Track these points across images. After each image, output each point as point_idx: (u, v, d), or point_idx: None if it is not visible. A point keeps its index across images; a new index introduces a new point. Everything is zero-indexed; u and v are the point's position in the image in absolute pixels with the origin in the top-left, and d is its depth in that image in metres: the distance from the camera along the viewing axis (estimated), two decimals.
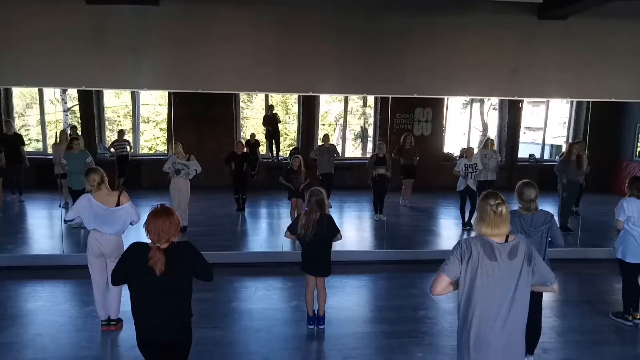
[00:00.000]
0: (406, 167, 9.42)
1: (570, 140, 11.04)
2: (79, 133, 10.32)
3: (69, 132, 10.07)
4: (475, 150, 8.81)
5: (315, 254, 4.61)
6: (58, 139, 8.86)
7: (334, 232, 4.59)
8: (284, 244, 7.08)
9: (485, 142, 9.23)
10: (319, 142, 10.26)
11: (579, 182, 8.20)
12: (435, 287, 2.71)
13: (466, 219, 8.27)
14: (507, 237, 2.69)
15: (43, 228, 8.44)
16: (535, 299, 3.90)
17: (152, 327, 2.94)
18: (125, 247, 3.66)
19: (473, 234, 2.78)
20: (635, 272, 4.99)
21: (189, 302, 2.99)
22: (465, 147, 9.56)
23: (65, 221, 4.69)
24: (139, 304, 2.94)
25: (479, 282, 2.63)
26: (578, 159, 8.02)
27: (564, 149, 10.83)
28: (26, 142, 10.04)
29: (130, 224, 4.55)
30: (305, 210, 4.60)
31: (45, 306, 5.24)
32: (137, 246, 2.96)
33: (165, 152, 11.13)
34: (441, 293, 2.74)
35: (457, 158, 10.48)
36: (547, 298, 5.45)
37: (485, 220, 2.67)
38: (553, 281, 2.78)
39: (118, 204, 4.47)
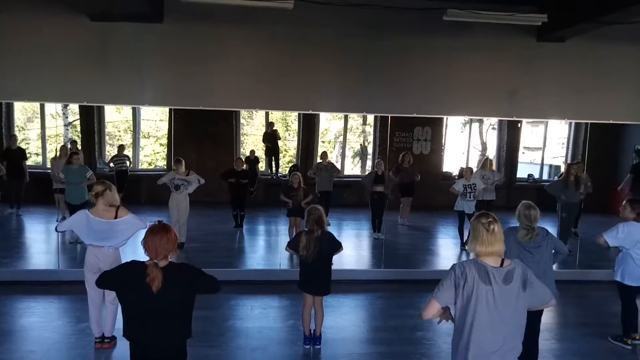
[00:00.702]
0: (404, 185, 9.42)
1: (568, 161, 11.10)
2: (79, 147, 10.35)
3: (69, 146, 10.10)
4: (475, 170, 8.82)
5: (315, 273, 4.58)
6: (58, 154, 8.88)
7: (337, 247, 4.60)
8: (282, 261, 7.04)
9: (484, 163, 9.23)
10: (318, 160, 10.28)
11: (577, 202, 8.18)
12: (426, 312, 2.70)
13: (465, 239, 8.25)
14: (502, 261, 2.68)
15: (39, 243, 8.39)
16: (533, 326, 3.86)
17: (145, 345, 2.91)
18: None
19: (472, 255, 2.77)
20: (634, 294, 4.95)
21: (186, 321, 2.95)
22: (464, 166, 9.57)
23: (57, 230, 4.64)
24: (133, 322, 2.91)
25: (473, 308, 2.61)
26: (576, 179, 8.03)
27: (562, 170, 10.84)
28: (26, 157, 10.06)
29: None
30: (306, 230, 4.59)
31: (39, 322, 5.18)
32: (134, 263, 2.95)
33: (165, 167, 11.14)
34: (432, 319, 2.74)
35: (456, 178, 10.52)
36: (546, 320, 5.40)
37: (479, 239, 2.67)
38: (550, 299, 2.80)
39: (116, 218, 4.44)
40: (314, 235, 4.47)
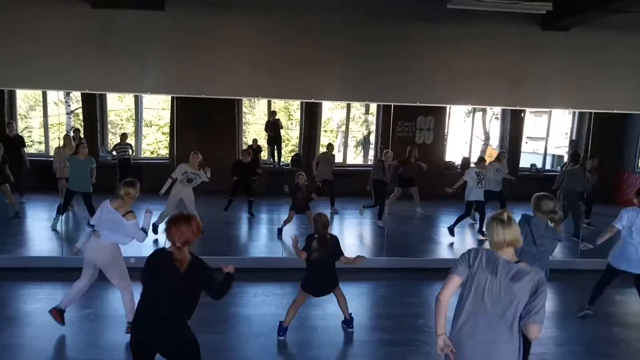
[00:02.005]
0: (407, 178, 9.43)
1: (571, 151, 11.12)
2: (82, 136, 10.35)
3: (72, 135, 10.09)
4: (488, 162, 8.82)
5: (322, 275, 4.64)
6: (62, 143, 8.90)
7: (338, 254, 4.65)
8: (284, 250, 7.07)
9: (498, 156, 9.21)
10: (322, 149, 10.32)
11: (581, 193, 8.25)
12: (445, 289, 2.78)
13: (453, 224, 8.23)
14: (518, 261, 2.72)
15: (43, 230, 8.43)
16: None
17: (148, 329, 2.97)
18: (123, 255, 3.94)
19: (487, 244, 2.86)
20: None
21: (191, 311, 3.07)
22: (475, 156, 9.58)
23: (90, 225, 4.63)
24: (144, 304, 3.01)
25: (473, 291, 2.71)
26: (589, 173, 8.23)
27: (565, 159, 10.86)
28: (29, 144, 10.07)
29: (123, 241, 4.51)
30: (313, 235, 4.64)
31: (44, 308, 5.20)
32: (159, 251, 3.09)
33: (167, 155, 11.15)
34: (447, 296, 2.78)
35: (459, 168, 10.52)
36: (547, 309, 5.43)
37: (493, 232, 2.74)
38: (538, 322, 2.64)
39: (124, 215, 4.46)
40: (322, 239, 4.56)
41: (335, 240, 4.67)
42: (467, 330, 2.73)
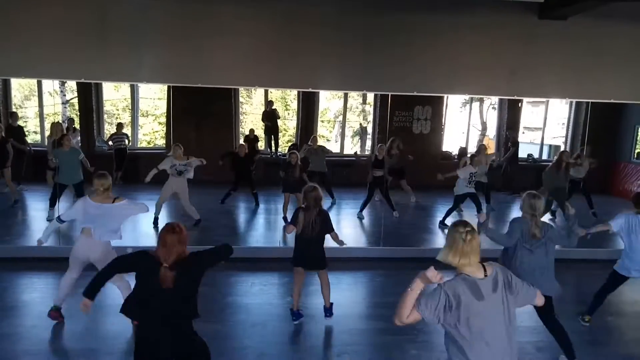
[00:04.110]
0: (393, 170, 9.43)
1: (569, 141, 11.16)
2: (77, 126, 10.32)
3: (65, 125, 10.04)
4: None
5: (309, 248, 4.66)
6: (49, 132, 8.84)
7: (330, 228, 4.67)
8: (281, 239, 7.08)
9: (479, 150, 9.19)
10: (319, 140, 10.33)
11: (565, 187, 8.27)
12: (409, 319, 2.60)
13: (444, 218, 8.28)
14: (484, 269, 2.55)
15: (39, 220, 8.41)
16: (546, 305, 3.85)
17: (153, 329, 2.97)
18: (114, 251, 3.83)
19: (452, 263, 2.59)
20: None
21: (193, 304, 3.09)
22: (472, 146, 9.58)
23: (61, 220, 4.57)
24: (142, 306, 2.98)
25: (475, 325, 2.48)
26: (567, 166, 8.28)
27: (562, 149, 10.97)
28: (25, 134, 10.03)
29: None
30: (302, 207, 4.64)
31: (41, 298, 5.24)
32: (148, 257, 2.98)
33: (164, 146, 11.12)
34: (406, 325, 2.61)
35: (455, 158, 10.54)
36: None
37: (453, 249, 2.54)
38: (534, 297, 2.66)
39: (113, 202, 4.41)
40: (311, 212, 4.55)
41: (325, 215, 4.64)
42: None
